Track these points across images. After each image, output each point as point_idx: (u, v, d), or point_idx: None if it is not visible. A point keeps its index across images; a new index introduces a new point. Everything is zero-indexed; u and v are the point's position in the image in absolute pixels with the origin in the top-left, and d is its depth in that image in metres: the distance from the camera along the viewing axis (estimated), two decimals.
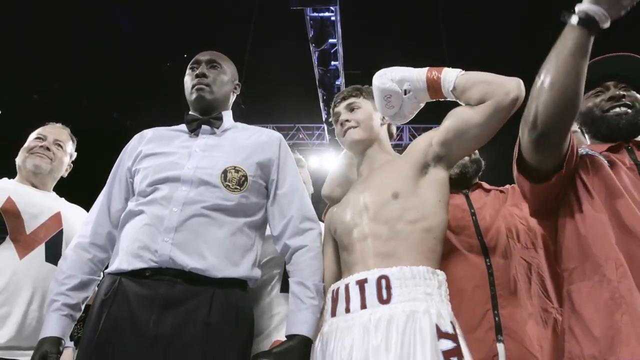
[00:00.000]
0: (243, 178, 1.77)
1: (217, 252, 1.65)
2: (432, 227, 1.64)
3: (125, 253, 1.65)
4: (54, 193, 2.40)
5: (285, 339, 1.65)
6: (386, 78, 1.78)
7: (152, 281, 1.59)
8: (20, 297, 2.03)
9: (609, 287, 1.38)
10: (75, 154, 2.52)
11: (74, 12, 7.94)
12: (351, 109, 1.92)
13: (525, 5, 7.92)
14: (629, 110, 1.70)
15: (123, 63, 8.72)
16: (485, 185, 2.23)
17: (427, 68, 1.75)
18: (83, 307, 1.79)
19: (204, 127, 1.90)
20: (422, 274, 1.53)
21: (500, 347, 1.72)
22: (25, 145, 2.37)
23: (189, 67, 1.97)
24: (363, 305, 1.52)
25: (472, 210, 2.04)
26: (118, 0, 8.54)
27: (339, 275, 1.77)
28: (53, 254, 2.16)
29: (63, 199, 2.41)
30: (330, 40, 7.87)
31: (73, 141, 2.50)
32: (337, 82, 8.69)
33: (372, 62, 9.15)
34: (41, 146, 2.33)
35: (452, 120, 1.67)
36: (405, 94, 1.76)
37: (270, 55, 8.80)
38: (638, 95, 1.73)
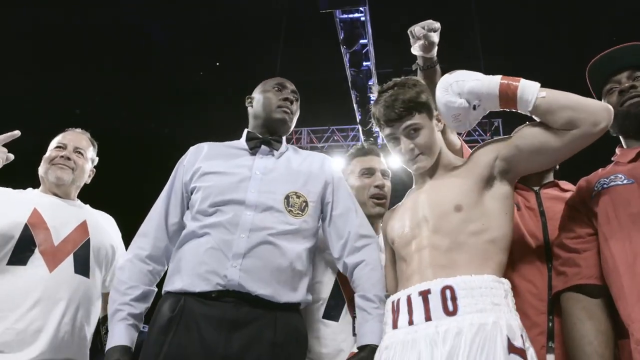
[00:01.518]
0: (304, 204, 1.85)
1: (280, 279, 1.72)
2: (496, 238, 1.59)
3: (189, 275, 1.69)
4: (79, 201, 2.38)
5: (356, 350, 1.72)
6: (453, 92, 1.63)
7: (219, 302, 1.65)
8: (53, 310, 2.01)
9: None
10: (96, 159, 2.49)
11: (111, 27, 8.15)
12: (411, 132, 1.70)
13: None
14: None
15: (158, 73, 8.90)
16: (564, 184, 2.02)
17: (499, 77, 1.60)
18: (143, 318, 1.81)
19: (263, 147, 1.95)
20: (487, 282, 1.49)
21: (550, 357, 1.65)
22: (46, 155, 2.32)
23: (273, 86, 2.03)
24: (428, 317, 1.47)
25: (541, 209, 1.88)
26: (152, 13, 8.73)
27: (394, 284, 1.78)
28: (81, 264, 2.15)
29: (87, 205, 2.39)
30: (361, 41, 7.85)
31: (94, 146, 2.46)
32: (369, 83, 8.67)
33: (404, 59, 9.12)
34: (62, 156, 2.28)
35: (528, 138, 1.61)
36: (474, 109, 1.64)
37: (302, 58, 8.85)
38: None
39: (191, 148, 2.01)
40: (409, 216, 1.72)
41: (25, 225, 2.08)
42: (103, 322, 2.27)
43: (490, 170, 1.64)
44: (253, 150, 1.95)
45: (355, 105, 9.03)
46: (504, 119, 9.34)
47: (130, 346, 1.71)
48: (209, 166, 1.89)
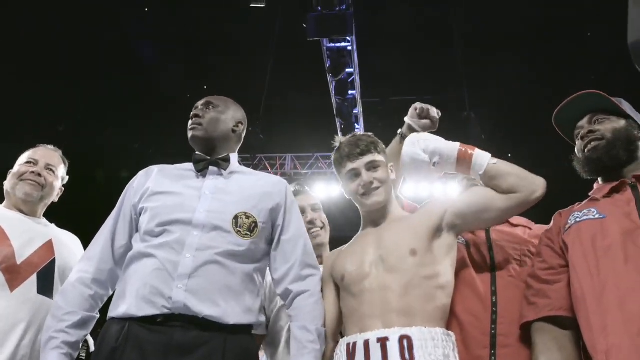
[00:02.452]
0: (253, 224, 1.80)
1: (229, 299, 1.67)
2: (445, 285, 1.74)
3: (134, 297, 1.63)
4: (44, 219, 2.30)
5: None
6: (419, 148, 1.85)
7: (165, 327, 1.59)
8: (11, 332, 1.92)
9: None
10: (67, 178, 2.41)
11: (97, 44, 8.16)
12: (372, 167, 1.87)
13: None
14: (600, 142, 1.73)
15: (145, 94, 8.89)
16: (515, 219, 2.08)
17: (458, 144, 1.84)
18: (81, 345, 1.74)
19: (211, 168, 1.91)
20: (439, 335, 1.62)
21: None
22: (15, 169, 2.24)
23: (192, 111, 1.99)
24: None
25: (489, 244, 1.95)
26: (141, 33, 8.76)
27: (339, 320, 1.83)
28: (45, 285, 2.06)
29: (53, 224, 2.31)
30: (347, 70, 7.94)
31: (65, 164, 2.39)
32: (354, 111, 8.74)
33: (389, 89, 9.23)
34: (32, 172, 2.20)
35: (475, 197, 1.82)
36: (433, 165, 1.84)
37: (289, 85, 8.91)
38: (614, 124, 1.74)
39: (141, 171, 1.97)
40: (361, 255, 1.81)
41: None
42: None
43: (440, 221, 1.80)
44: (202, 171, 1.91)
45: (340, 133, 9.07)
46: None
47: None
48: (157, 186, 1.85)
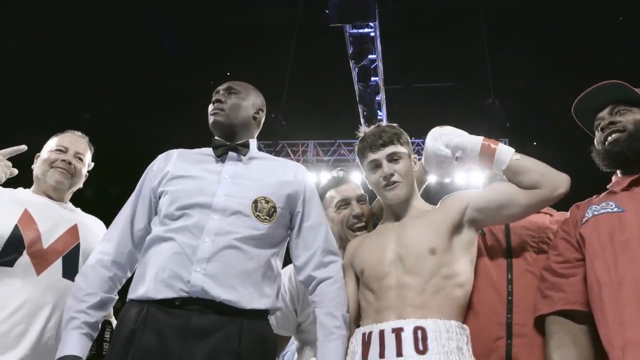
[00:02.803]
0: (272, 209, 1.80)
1: (247, 284, 1.68)
2: (464, 283, 1.74)
3: (153, 280, 1.66)
4: (70, 204, 2.35)
5: None
6: (441, 143, 1.85)
7: (183, 311, 1.61)
8: (37, 315, 1.97)
9: None
10: (92, 164, 2.45)
11: (122, 34, 8.23)
12: (393, 159, 1.86)
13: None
14: (622, 134, 1.68)
15: (169, 82, 8.96)
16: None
17: (481, 138, 1.84)
18: (100, 326, 1.78)
19: (230, 153, 1.92)
20: (454, 328, 1.63)
21: None
22: (45, 156, 2.27)
23: (213, 95, 1.99)
24: (399, 353, 1.58)
25: (508, 239, 1.91)
26: (164, 23, 8.81)
27: (358, 310, 1.83)
28: (70, 269, 2.09)
29: (79, 209, 2.36)
30: (370, 56, 7.89)
31: (91, 150, 2.43)
32: (377, 98, 8.69)
33: (412, 76, 9.14)
34: (63, 160, 2.25)
35: (497, 193, 1.80)
36: (456, 160, 1.86)
37: (312, 71, 8.89)
38: (636, 116, 1.69)
39: (161, 155, 1.99)
40: (382, 251, 1.80)
41: (16, 225, 2.04)
42: None
43: (460, 217, 1.79)
44: (222, 157, 1.91)
45: (362, 120, 9.05)
46: (512, 138, 9.33)
47: (81, 357, 1.66)
48: (177, 170, 1.87)
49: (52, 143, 2.32)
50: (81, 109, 8.51)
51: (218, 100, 1.94)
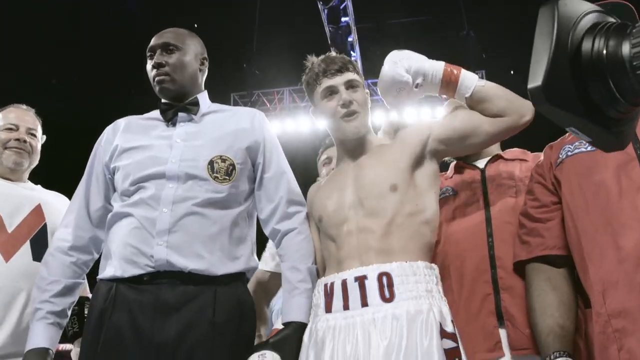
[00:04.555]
0: (231, 167, 1.70)
1: (214, 249, 1.61)
2: (429, 219, 1.66)
3: (117, 259, 1.60)
4: (30, 182, 2.25)
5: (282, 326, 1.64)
6: (401, 68, 1.69)
7: (152, 286, 1.56)
8: (13, 302, 1.92)
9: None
10: (44, 137, 2.33)
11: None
12: (352, 87, 1.73)
13: None
14: None
15: (130, 43, 8.66)
16: (508, 153, 2.01)
17: (443, 63, 1.70)
18: (70, 312, 1.73)
19: (180, 114, 1.80)
20: (421, 269, 1.54)
21: (502, 332, 1.67)
22: None
23: (147, 54, 1.81)
24: (364, 303, 1.50)
25: (485, 188, 1.87)
26: None
27: (323, 260, 1.75)
28: (40, 251, 2.00)
29: (39, 186, 2.27)
30: None
31: (40, 122, 2.31)
32: (349, 39, 8.51)
33: (384, 13, 8.95)
34: (17, 139, 2.14)
35: (461, 121, 1.69)
36: (416, 87, 1.71)
37: (280, 18, 8.65)
38: None
39: (108, 127, 1.87)
40: (338, 195, 1.70)
41: None
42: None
43: (422, 149, 1.69)
44: (172, 120, 1.79)
45: None
46: (489, 70, 9.27)
47: (50, 348, 1.62)
48: (126, 142, 1.76)
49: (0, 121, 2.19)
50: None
51: (159, 65, 1.76)
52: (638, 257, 1.33)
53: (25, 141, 2.16)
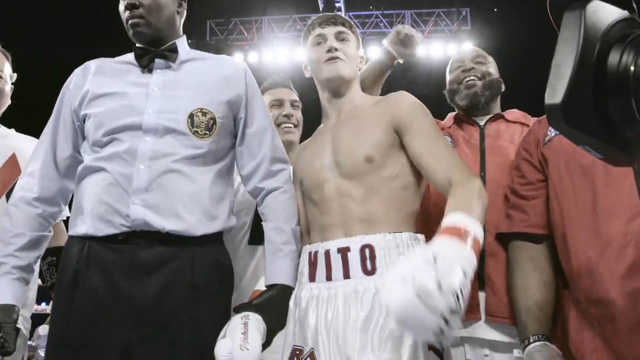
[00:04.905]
0: (212, 121, 1.59)
1: (193, 209, 1.52)
2: (409, 183, 1.56)
3: (90, 216, 1.49)
4: (2, 127, 2.07)
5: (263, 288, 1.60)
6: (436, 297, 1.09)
7: (127, 245, 1.47)
8: None
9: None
10: (15, 76, 2.12)
11: None
12: (342, 39, 1.70)
13: None
14: None
15: None
16: (510, 113, 1.95)
17: (469, 245, 1.22)
18: (37, 266, 1.63)
19: (157, 61, 1.65)
20: (405, 241, 1.47)
21: (481, 295, 1.67)
22: None
23: None
24: (346, 275, 1.47)
25: (482, 146, 1.84)
26: None
27: (307, 222, 1.71)
28: None
29: (12, 131, 2.08)
30: None
31: (8, 60, 2.08)
32: None
33: None
34: None
35: (427, 163, 1.50)
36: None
37: None
38: None
39: (77, 69, 1.71)
40: (318, 156, 1.65)
41: None
42: (44, 257, 2.00)
43: (393, 136, 1.56)
44: (148, 66, 1.65)
45: None
46: (472, 7, 9.07)
47: (15, 304, 1.53)
48: (98, 87, 1.61)
49: None
50: None
51: (132, 6, 1.60)
52: (620, 246, 1.31)
53: None
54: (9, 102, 2.07)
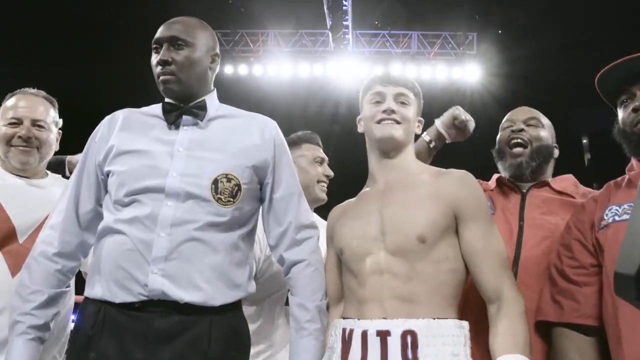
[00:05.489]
0: (236, 188, 1.55)
1: (213, 278, 1.49)
2: (457, 268, 1.51)
3: (107, 281, 1.47)
4: (48, 176, 2.05)
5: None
6: None
7: (143, 313, 1.44)
8: None
9: None
10: (60, 121, 2.08)
11: None
12: (401, 102, 1.65)
13: None
14: None
15: None
16: (556, 182, 1.84)
17: None
18: (52, 323, 1.59)
19: (185, 117, 1.62)
20: (450, 329, 1.41)
21: None
22: (1, 132, 1.94)
23: (152, 45, 1.63)
24: None
25: (522, 215, 1.76)
26: None
27: (341, 289, 1.66)
28: None
29: (58, 178, 2.07)
30: None
31: (54, 106, 2.06)
32: None
33: None
34: (19, 137, 1.92)
35: (478, 258, 1.49)
36: None
37: None
38: None
39: (104, 120, 1.68)
40: (362, 226, 1.59)
41: None
42: None
43: (451, 217, 1.52)
44: (175, 122, 1.62)
45: (326, 9, 8.61)
46: (479, 32, 9.10)
47: None
48: (123, 143, 1.59)
49: (5, 114, 1.97)
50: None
51: (165, 62, 1.58)
52: None
53: (29, 137, 1.94)
54: (54, 149, 2.05)
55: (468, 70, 9.24)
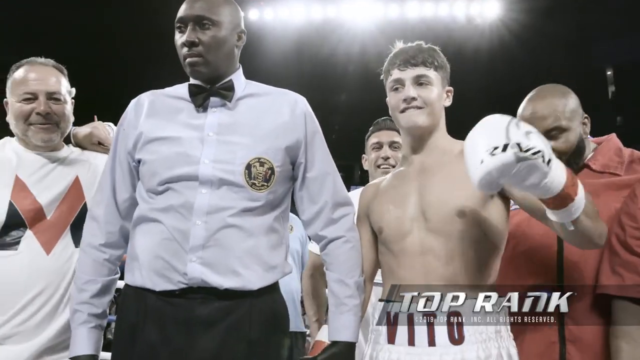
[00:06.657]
0: (270, 172, 1.55)
1: (251, 263, 1.51)
2: (497, 246, 1.56)
3: (147, 270, 1.51)
4: (65, 147, 1.99)
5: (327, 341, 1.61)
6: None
7: (184, 300, 1.48)
8: (57, 295, 1.77)
9: None
10: (73, 90, 2.00)
11: None
12: (420, 82, 1.61)
13: None
14: None
15: None
16: (596, 161, 1.68)
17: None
18: (108, 312, 1.67)
19: (212, 99, 1.60)
20: (491, 306, 1.46)
21: None
22: (15, 108, 1.85)
23: (176, 24, 1.58)
24: (431, 342, 1.45)
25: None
26: None
27: (376, 262, 1.70)
28: (81, 237, 1.77)
29: (77, 150, 2.01)
30: None
31: (64, 74, 1.96)
32: None
33: None
34: (38, 113, 1.84)
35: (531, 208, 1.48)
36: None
37: None
38: None
39: (130, 104, 1.67)
40: (401, 206, 1.59)
41: (10, 202, 1.78)
42: None
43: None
44: (202, 105, 1.60)
45: None
46: None
47: (96, 354, 1.58)
48: (151, 130, 1.58)
49: (16, 87, 1.87)
50: None
51: (191, 43, 1.54)
52: None
53: (48, 113, 1.86)
54: (72, 120, 1.99)
55: (487, 6, 8.95)
